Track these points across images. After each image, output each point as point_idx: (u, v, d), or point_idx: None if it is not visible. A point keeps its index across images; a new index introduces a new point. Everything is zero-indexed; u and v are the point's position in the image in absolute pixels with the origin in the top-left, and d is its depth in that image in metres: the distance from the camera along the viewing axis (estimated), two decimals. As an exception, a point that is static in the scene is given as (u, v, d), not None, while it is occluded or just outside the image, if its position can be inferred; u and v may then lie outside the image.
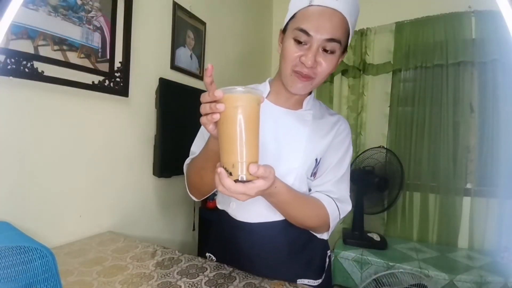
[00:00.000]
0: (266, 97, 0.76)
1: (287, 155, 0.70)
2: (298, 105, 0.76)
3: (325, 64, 0.63)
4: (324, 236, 0.75)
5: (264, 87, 0.78)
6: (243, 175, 0.46)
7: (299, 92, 0.68)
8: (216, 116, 0.46)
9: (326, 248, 0.84)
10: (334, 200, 0.71)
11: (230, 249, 0.79)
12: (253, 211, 0.72)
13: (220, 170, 0.47)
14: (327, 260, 0.83)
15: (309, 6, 0.61)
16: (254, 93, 0.47)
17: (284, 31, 0.69)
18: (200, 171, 0.67)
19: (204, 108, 0.47)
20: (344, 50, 0.68)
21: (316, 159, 0.72)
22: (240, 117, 0.46)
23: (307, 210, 0.68)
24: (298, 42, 0.63)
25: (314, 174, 0.73)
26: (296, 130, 0.72)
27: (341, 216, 0.72)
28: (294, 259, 0.75)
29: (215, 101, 0.45)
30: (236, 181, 0.46)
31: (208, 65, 0.48)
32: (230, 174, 0.46)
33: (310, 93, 0.78)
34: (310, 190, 0.74)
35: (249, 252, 0.75)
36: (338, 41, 0.62)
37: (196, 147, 0.77)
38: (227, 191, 0.47)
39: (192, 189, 0.76)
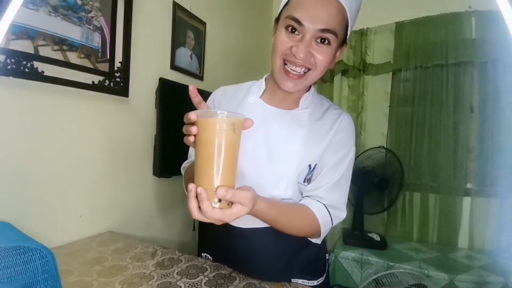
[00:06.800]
0: (260, 96, 0.71)
1: (279, 160, 0.66)
2: (295, 104, 0.70)
3: (321, 57, 0.58)
4: (315, 241, 0.73)
5: (260, 85, 0.73)
6: (216, 203, 0.44)
7: (291, 90, 0.63)
8: (191, 138, 0.45)
9: (324, 251, 0.80)
10: (326, 206, 0.65)
11: (226, 253, 0.79)
12: (244, 216, 0.71)
13: (200, 190, 0.42)
14: (327, 264, 0.81)
15: None
16: (233, 117, 0.44)
17: (277, 20, 0.63)
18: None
19: (184, 128, 0.47)
20: (342, 44, 0.61)
21: (310, 165, 0.66)
22: (213, 142, 0.43)
23: (295, 221, 0.63)
24: (290, 31, 0.58)
25: (308, 180, 0.67)
26: (289, 133, 0.67)
27: (334, 223, 0.67)
28: (288, 264, 0.73)
29: (191, 123, 0.44)
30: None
31: (190, 86, 0.49)
32: None
33: (309, 88, 0.72)
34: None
35: (244, 257, 0.74)
36: (334, 33, 0.56)
37: (193, 150, 0.76)
38: (203, 215, 0.43)
39: None
